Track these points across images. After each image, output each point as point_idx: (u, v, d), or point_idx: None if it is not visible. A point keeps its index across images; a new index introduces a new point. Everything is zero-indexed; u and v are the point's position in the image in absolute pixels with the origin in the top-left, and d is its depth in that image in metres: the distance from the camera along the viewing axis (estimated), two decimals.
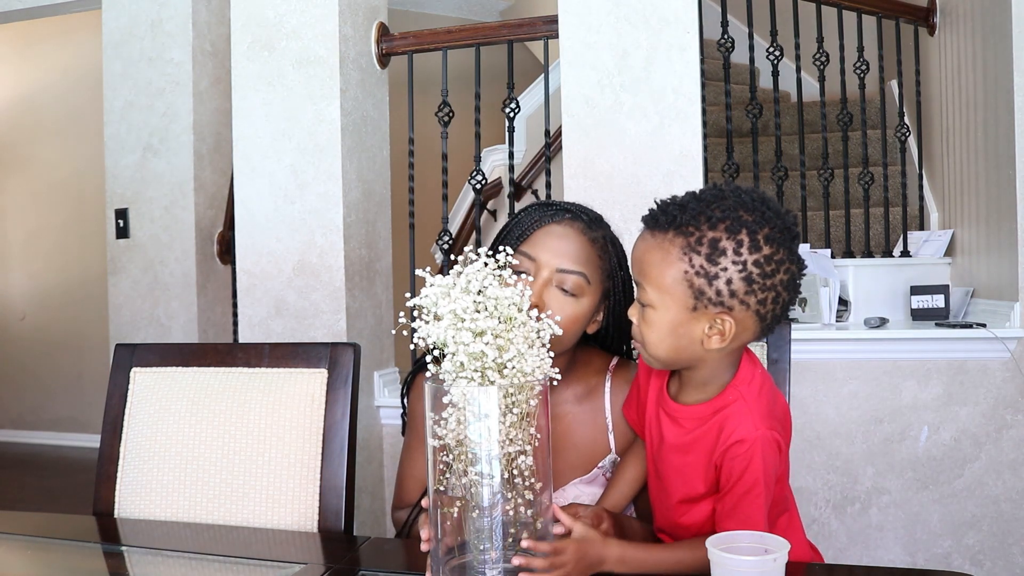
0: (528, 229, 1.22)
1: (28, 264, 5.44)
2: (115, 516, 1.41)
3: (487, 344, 0.92)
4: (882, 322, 2.39)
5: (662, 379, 1.11)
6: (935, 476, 2.30)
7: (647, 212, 1.01)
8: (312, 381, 1.38)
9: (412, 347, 0.97)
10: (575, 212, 1.23)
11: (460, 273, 0.96)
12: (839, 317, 2.48)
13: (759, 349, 1.34)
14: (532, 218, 1.23)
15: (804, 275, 1.01)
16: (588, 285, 1.19)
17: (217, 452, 1.38)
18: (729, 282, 0.95)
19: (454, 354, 0.92)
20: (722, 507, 1.01)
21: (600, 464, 1.25)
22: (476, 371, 0.93)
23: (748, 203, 0.97)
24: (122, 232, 3.24)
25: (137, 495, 1.40)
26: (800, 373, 2.30)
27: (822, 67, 2.61)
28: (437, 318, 0.94)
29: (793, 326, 1.47)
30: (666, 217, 0.98)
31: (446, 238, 2.51)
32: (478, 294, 0.94)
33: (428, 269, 0.98)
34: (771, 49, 2.53)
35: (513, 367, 0.93)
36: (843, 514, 2.34)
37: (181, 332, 3.16)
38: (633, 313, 1.02)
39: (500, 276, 0.96)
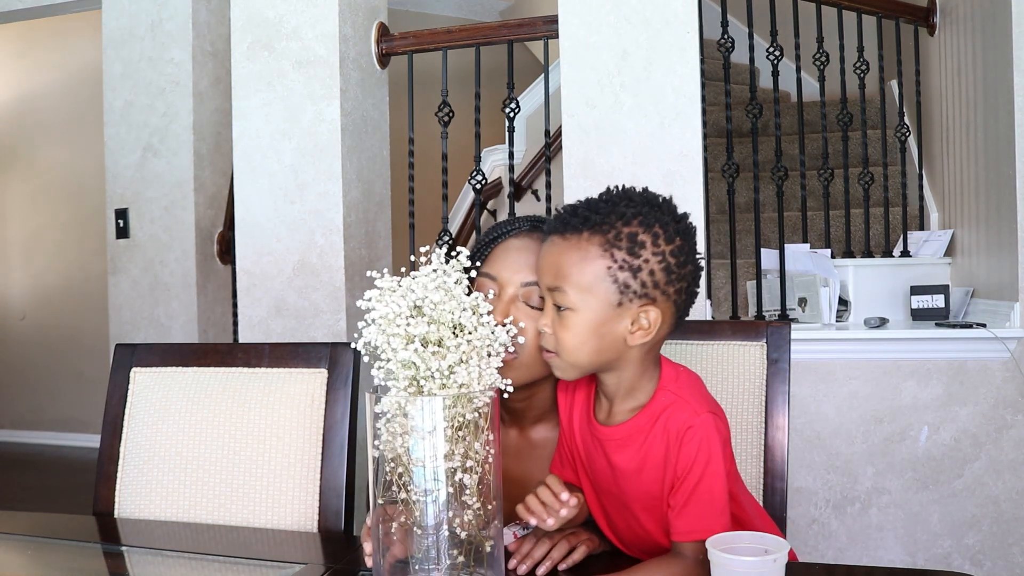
0: (486, 248, 1.19)
1: (28, 264, 5.44)
2: (115, 516, 1.41)
3: (417, 352, 0.87)
4: (882, 322, 2.39)
5: (587, 411, 1.08)
6: (935, 476, 2.30)
7: (551, 219, 1.02)
8: (312, 381, 1.38)
9: (354, 347, 0.93)
10: (533, 222, 1.20)
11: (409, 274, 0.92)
12: (839, 317, 2.48)
13: (759, 349, 1.34)
14: (489, 236, 1.20)
15: (703, 269, 1.04)
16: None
17: (217, 452, 1.38)
18: (652, 273, 0.97)
19: (388, 360, 0.88)
20: (678, 497, 0.98)
21: None
22: (407, 379, 0.88)
23: (653, 200, 1.01)
24: (122, 232, 3.24)
25: (137, 495, 1.40)
26: (800, 373, 2.30)
27: (822, 67, 2.61)
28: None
29: (793, 326, 1.46)
30: (577, 219, 0.99)
31: (446, 238, 2.52)
32: (411, 293, 0.90)
33: (386, 270, 0.94)
34: (771, 49, 2.53)
35: (450, 377, 0.88)
36: (843, 514, 2.34)
37: (181, 332, 3.16)
38: (545, 322, 1.00)
39: (445, 283, 0.91)
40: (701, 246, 2.12)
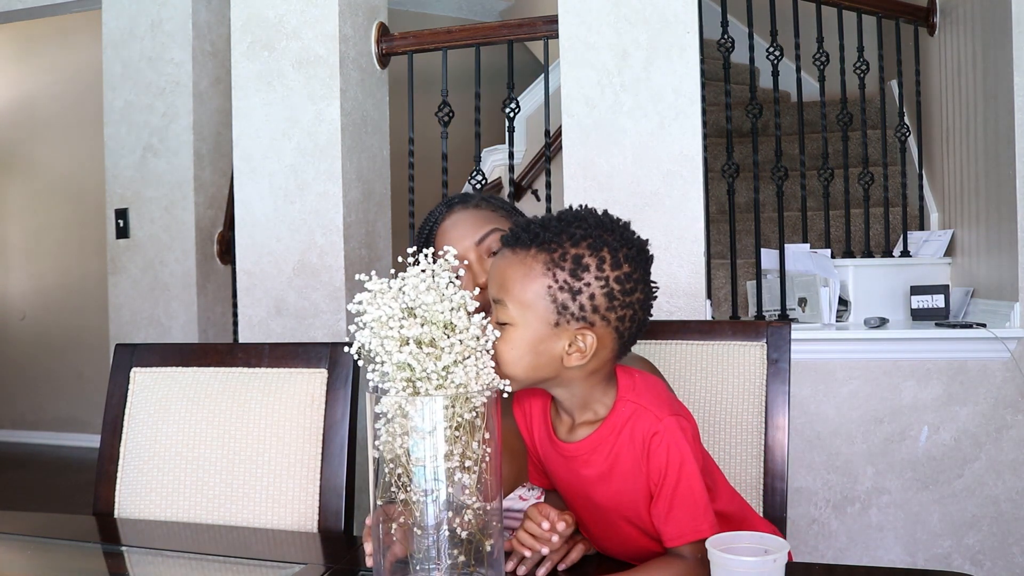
0: (431, 241, 1.26)
1: (28, 264, 5.44)
2: (115, 516, 1.41)
3: (411, 354, 0.87)
4: (882, 322, 2.40)
5: (545, 427, 1.08)
6: (935, 476, 2.30)
7: (507, 232, 1.02)
8: (312, 381, 1.38)
9: (348, 351, 0.93)
10: (448, 203, 1.29)
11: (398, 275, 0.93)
12: (839, 317, 2.48)
13: (759, 349, 1.34)
14: (426, 229, 1.27)
15: (655, 298, 1.02)
16: None
17: (217, 452, 1.38)
18: (592, 297, 0.96)
19: (383, 363, 0.89)
20: (660, 504, 0.99)
21: None
22: (403, 381, 0.89)
23: (607, 224, 0.99)
24: (122, 232, 3.24)
25: (137, 495, 1.40)
26: (800, 373, 2.30)
27: (822, 67, 2.61)
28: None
29: (793, 326, 1.46)
30: (528, 235, 0.98)
31: None
32: (403, 295, 0.90)
33: (373, 273, 0.94)
34: (771, 49, 2.53)
35: (447, 377, 0.88)
36: (843, 514, 2.34)
37: (181, 332, 3.16)
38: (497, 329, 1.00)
39: (435, 283, 0.92)
40: (701, 246, 2.13)
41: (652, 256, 1.02)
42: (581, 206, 1.02)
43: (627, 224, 1.01)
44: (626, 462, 1.00)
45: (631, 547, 1.07)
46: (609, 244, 0.97)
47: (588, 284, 0.96)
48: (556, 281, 0.96)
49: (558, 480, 1.09)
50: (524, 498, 1.21)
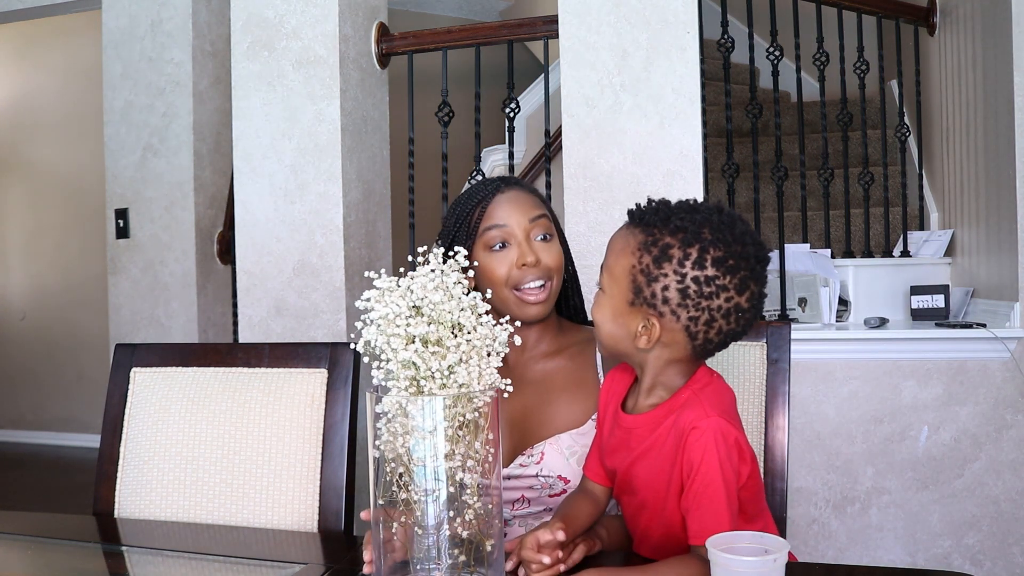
0: (483, 206, 1.28)
1: (28, 264, 5.44)
2: (115, 516, 1.41)
3: (417, 352, 0.88)
4: (882, 322, 2.40)
5: (620, 399, 1.11)
6: (935, 476, 2.30)
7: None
8: (312, 381, 1.38)
9: (353, 348, 0.94)
10: (515, 180, 1.34)
11: (407, 273, 0.93)
12: (839, 317, 2.48)
13: (759, 349, 1.34)
14: (479, 196, 1.29)
15: (751, 312, 1.00)
16: (553, 224, 1.30)
17: (217, 452, 1.38)
18: (665, 288, 0.98)
19: (388, 361, 0.89)
20: (689, 499, 0.99)
21: (593, 416, 1.25)
22: (407, 379, 0.89)
23: (716, 223, 0.98)
24: (122, 232, 3.24)
25: (137, 495, 1.40)
26: (800, 373, 2.30)
27: (822, 67, 2.61)
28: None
29: (793, 326, 1.46)
30: (640, 213, 1.03)
31: None
32: (411, 293, 0.91)
33: (383, 270, 0.95)
34: (771, 49, 2.53)
35: (450, 376, 0.89)
36: (843, 514, 2.34)
37: (181, 332, 3.16)
38: (597, 292, 1.07)
39: (443, 282, 0.92)
40: None
41: (757, 271, 0.99)
42: (704, 202, 1.03)
43: (744, 232, 0.99)
44: (666, 446, 1.01)
45: (648, 541, 1.07)
46: (703, 242, 0.97)
47: (666, 275, 0.98)
48: (640, 263, 0.99)
49: (610, 453, 1.10)
50: (524, 464, 1.24)
